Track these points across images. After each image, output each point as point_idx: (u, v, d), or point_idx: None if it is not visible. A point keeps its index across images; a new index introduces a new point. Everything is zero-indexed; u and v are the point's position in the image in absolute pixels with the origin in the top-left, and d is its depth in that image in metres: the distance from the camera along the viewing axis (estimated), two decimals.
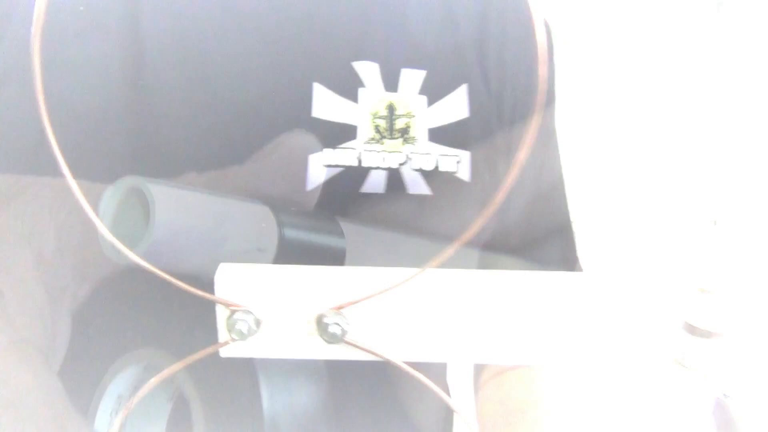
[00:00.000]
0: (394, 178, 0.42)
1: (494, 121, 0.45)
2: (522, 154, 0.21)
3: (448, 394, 0.58)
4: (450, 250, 0.23)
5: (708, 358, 0.29)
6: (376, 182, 0.42)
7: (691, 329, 0.29)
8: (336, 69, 0.41)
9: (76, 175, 0.22)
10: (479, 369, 0.50)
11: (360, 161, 0.42)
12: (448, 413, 0.49)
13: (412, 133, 0.43)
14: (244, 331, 0.25)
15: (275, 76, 0.41)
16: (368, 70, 0.42)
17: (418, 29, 0.41)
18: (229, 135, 0.40)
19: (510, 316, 0.26)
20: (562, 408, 0.44)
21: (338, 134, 0.41)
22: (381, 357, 0.26)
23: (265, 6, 0.41)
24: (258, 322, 0.26)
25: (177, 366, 0.27)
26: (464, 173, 0.44)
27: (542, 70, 0.21)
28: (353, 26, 0.42)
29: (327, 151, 0.41)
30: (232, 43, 0.40)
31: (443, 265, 0.24)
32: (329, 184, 0.41)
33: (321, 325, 0.25)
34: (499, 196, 0.22)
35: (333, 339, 0.26)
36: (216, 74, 0.40)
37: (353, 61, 0.42)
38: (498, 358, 0.26)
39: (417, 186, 0.43)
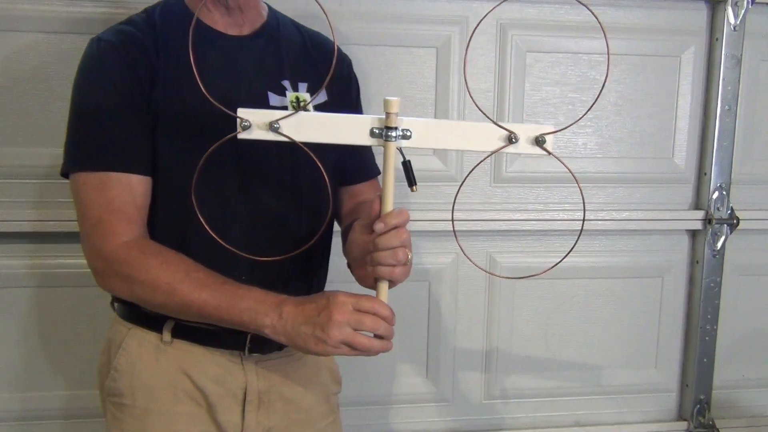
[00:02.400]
0: None
1: (337, 101, 1.06)
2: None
3: None
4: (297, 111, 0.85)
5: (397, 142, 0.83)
6: None
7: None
8: (275, 85, 1.02)
9: None
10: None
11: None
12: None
13: (307, 108, 0.99)
14: (247, 126, 0.83)
15: (253, 90, 1.00)
16: (287, 84, 1.02)
17: (302, 67, 1.05)
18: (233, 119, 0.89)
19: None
20: None
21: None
22: (291, 139, 0.84)
23: (245, 59, 1.01)
24: (250, 124, 0.83)
25: (213, 147, 0.85)
26: None
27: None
28: (279, 68, 1.03)
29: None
30: (231, 79, 0.99)
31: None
32: None
33: (271, 126, 0.84)
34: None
35: (274, 130, 0.84)
36: (230, 94, 0.96)
37: (281, 80, 1.02)
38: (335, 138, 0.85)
39: None
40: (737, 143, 1.65)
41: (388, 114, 0.82)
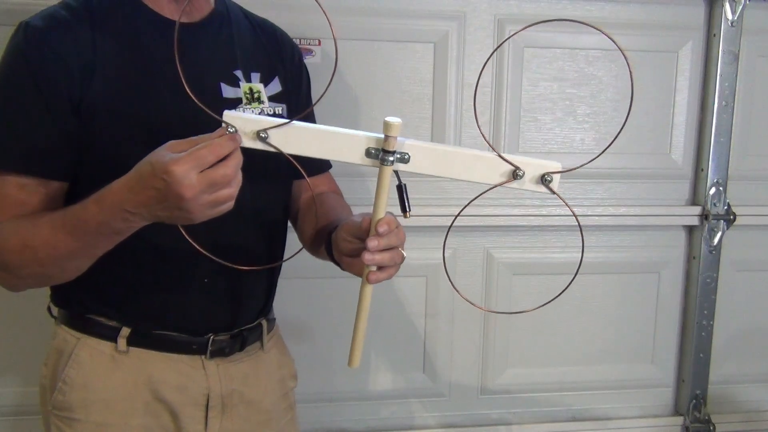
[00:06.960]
0: None
1: (292, 92, 1.06)
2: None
3: None
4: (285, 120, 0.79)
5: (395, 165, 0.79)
6: None
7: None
8: (228, 75, 0.97)
9: None
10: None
11: (244, 112, 0.94)
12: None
13: (261, 98, 0.99)
14: (232, 132, 0.74)
15: (205, 82, 0.94)
16: (239, 74, 0.98)
17: (254, 56, 1.01)
18: (191, 108, 0.80)
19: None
20: None
21: (234, 103, 0.95)
22: (280, 150, 0.78)
23: (195, 48, 0.94)
24: (235, 130, 0.75)
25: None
26: (284, 113, 1.02)
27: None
28: (231, 57, 0.98)
29: (232, 110, 0.83)
30: (187, 68, 0.84)
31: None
32: None
33: (258, 135, 0.77)
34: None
35: (262, 140, 0.78)
36: (180, 86, 0.80)
37: (233, 71, 0.97)
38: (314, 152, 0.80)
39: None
40: (734, 139, 1.65)
41: (387, 137, 0.76)
